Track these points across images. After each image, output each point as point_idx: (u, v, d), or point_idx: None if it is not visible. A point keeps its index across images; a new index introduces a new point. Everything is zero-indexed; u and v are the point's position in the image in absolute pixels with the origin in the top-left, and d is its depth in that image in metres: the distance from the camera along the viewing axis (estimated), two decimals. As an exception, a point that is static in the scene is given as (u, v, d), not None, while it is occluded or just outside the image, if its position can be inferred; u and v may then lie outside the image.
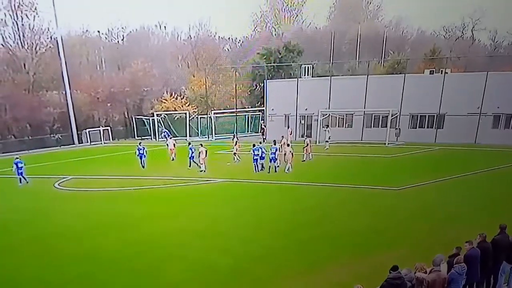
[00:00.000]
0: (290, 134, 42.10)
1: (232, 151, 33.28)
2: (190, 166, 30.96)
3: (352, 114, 43.92)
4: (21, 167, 28.33)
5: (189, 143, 32.12)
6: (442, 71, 41.93)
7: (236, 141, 33.60)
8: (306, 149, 32.38)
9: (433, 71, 43.32)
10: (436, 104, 40.22)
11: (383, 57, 61.69)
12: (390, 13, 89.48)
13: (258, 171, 29.14)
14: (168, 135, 46.23)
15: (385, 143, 39.73)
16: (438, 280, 9.43)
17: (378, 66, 58.06)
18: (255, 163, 29.24)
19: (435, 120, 41.09)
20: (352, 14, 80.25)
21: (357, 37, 62.57)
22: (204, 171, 29.59)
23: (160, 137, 51.13)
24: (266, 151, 29.64)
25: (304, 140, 33.26)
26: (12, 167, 28.72)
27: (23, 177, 28.35)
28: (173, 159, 34.65)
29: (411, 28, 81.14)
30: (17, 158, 28.95)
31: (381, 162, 32.40)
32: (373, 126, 43.48)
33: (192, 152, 31.01)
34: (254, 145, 29.57)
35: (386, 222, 17.74)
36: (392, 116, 40.40)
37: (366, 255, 14.16)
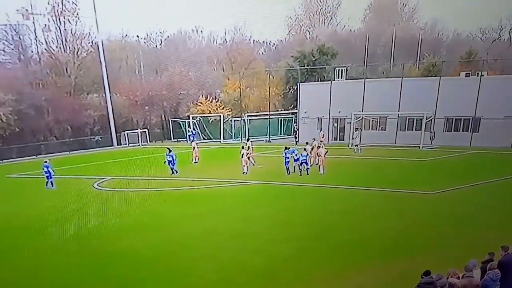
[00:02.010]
0: (323, 137, 42.04)
1: (248, 154, 31.96)
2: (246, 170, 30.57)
3: (386, 117, 43.28)
4: (48, 171, 28.14)
5: (243, 147, 31.67)
6: (478, 73, 40.86)
7: (249, 146, 33.17)
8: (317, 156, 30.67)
9: (469, 73, 42.42)
10: (471, 107, 39.21)
11: (418, 59, 60.61)
12: (426, 15, 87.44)
13: (289, 173, 29.13)
14: (194, 137, 46.71)
15: (419, 147, 39.08)
16: (470, 286, 9.37)
17: (413, 69, 56.93)
18: (287, 165, 29.25)
19: (470, 123, 40.05)
20: (387, 16, 78.95)
21: (392, 39, 61.65)
22: (246, 172, 29.90)
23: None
24: (299, 154, 29.59)
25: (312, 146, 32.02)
26: (42, 169, 28.59)
27: (50, 181, 28.23)
28: (196, 162, 35.23)
29: (446, 30, 79.08)
30: (45, 161, 29.05)
31: (414, 165, 32.05)
32: (407, 129, 42.69)
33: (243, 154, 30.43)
34: (286, 148, 29.64)
35: (418, 227, 17.66)
36: (426, 119, 39.72)
37: (397, 260, 14.10)
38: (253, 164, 32.48)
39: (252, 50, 73.57)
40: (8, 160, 43.02)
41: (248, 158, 31.73)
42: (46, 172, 28.10)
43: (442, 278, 9.49)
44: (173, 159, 30.92)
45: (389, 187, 24.29)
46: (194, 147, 36.19)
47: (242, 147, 31.16)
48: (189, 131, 52.20)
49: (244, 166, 30.15)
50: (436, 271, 9.64)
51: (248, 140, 35.60)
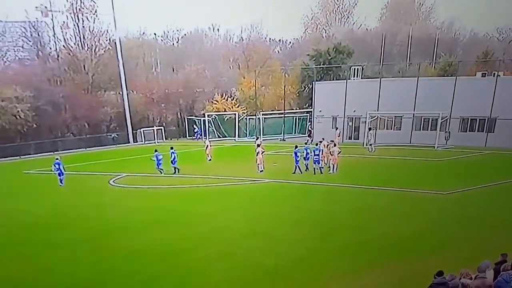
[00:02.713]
0: (338, 136, 41.95)
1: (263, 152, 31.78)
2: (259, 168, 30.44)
3: (401, 116, 43.06)
4: (59, 168, 28.14)
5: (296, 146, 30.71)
6: (494, 73, 40.49)
7: (259, 144, 32.75)
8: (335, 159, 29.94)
9: (485, 73, 42.05)
10: (487, 108, 38.82)
11: (434, 59, 60.15)
12: (443, 15, 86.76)
13: (301, 172, 29.12)
14: (200, 134, 46.49)
15: (434, 147, 38.82)
16: (482, 287, 9.37)
17: (429, 68, 56.60)
18: (297, 164, 29.24)
19: (486, 124, 39.63)
20: (404, 15, 78.80)
21: (408, 38, 61.24)
22: (262, 170, 30.02)
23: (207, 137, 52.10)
24: (310, 153, 29.65)
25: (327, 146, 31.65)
26: (53, 167, 28.56)
27: (60, 178, 28.23)
28: (210, 160, 35.49)
29: (463, 29, 78.40)
30: (57, 159, 28.95)
31: (429, 165, 31.84)
32: (422, 129, 42.41)
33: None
34: (296, 147, 29.65)
35: (431, 227, 17.59)
36: (442, 119, 39.43)
37: (410, 260, 14.06)
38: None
39: (268, 49, 73.63)
40: (26, 156, 43.47)
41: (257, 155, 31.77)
42: (57, 170, 28.16)
43: (455, 279, 9.49)
44: (158, 159, 30.78)
45: (402, 187, 24.19)
46: (207, 145, 36.42)
47: (258, 145, 31.24)
48: (194, 128, 52.64)
49: (259, 164, 30.26)
50: (449, 272, 9.63)
51: (257, 138, 35.37)
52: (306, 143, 32.54)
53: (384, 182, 25.60)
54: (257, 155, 30.55)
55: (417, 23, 75.20)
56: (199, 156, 37.37)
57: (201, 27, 74.87)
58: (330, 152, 29.46)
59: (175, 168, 31.11)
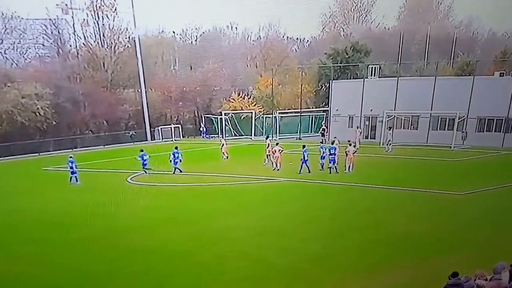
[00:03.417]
0: (360, 135, 41.88)
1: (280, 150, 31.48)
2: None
3: (418, 116, 42.84)
4: (72, 166, 27.93)
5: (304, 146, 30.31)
6: (512, 73, 40.06)
7: (269, 144, 32.58)
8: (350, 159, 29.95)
9: (504, 73, 41.65)
10: (505, 108, 38.58)
11: (452, 58, 59.65)
12: (461, 14, 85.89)
13: (309, 171, 28.96)
14: (206, 133, 46.66)
15: (450, 147, 38.52)
16: (498, 288, 9.22)
17: (447, 68, 56.28)
18: (303, 164, 29.02)
19: (503, 124, 39.34)
20: (422, 14, 78.41)
21: (427, 37, 60.80)
22: (278, 169, 30.08)
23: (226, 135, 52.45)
24: (326, 152, 29.56)
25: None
26: (67, 165, 28.41)
27: (75, 176, 28.01)
28: (227, 158, 35.76)
29: (482, 29, 77.64)
30: (70, 157, 28.77)
31: (445, 165, 31.71)
32: (439, 129, 42.18)
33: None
34: (304, 146, 29.51)
35: (447, 227, 17.49)
36: (459, 118, 39.14)
37: (425, 260, 14.00)
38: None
39: (286, 47, 73.76)
40: (45, 153, 44.12)
41: (267, 156, 31.94)
42: (70, 168, 27.97)
43: (470, 280, 9.38)
44: (143, 159, 30.50)
45: (418, 187, 24.06)
46: (223, 144, 36.69)
47: (277, 144, 31.32)
48: (201, 127, 52.92)
49: (274, 162, 30.30)
50: (464, 273, 9.55)
51: (267, 137, 35.37)
52: (321, 142, 32.50)
53: (400, 182, 25.50)
54: (269, 153, 30.68)
55: (435, 22, 74.76)
56: (215, 154, 37.51)
57: (220, 25, 74.99)
58: (345, 152, 29.35)
59: (175, 168, 30.59)
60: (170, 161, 30.71)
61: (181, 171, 30.37)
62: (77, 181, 27.98)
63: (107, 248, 16.26)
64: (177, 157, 30.46)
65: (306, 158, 28.95)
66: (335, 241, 16.19)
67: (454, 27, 73.42)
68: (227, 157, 35.82)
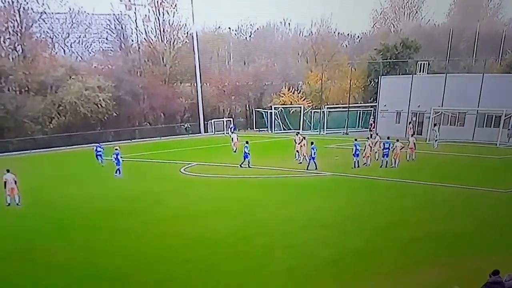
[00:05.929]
0: (411, 130, 42.65)
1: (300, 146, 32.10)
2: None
3: (465, 112, 42.76)
4: (117, 158, 28.20)
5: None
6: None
7: (302, 139, 32.31)
8: (411, 149, 31.92)
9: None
10: (552, 105, 37.81)
11: (500, 55, 58.35)
12: (511, 11, 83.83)
13: (358, 166, 29.74)
14: (233, 130, 48.24)
15: (496, 144, 38.40)
16: (539, 289, 9.32)
17: (495, 65, 55.43)
18: (355, 158, 29.83)
19: (550, 122, 38.63)
20: (472, 11, 76.79)
21: (476, 34, 59.75)
22: (301, 162, 31.10)
23: (275, 129, 54.17)
24: (361, 148, 30.05)
25: (408, 139, 32.87)
26: (112, 157, 28.84)
27: (118, 169, 28.21)
28: (235, 151, 36.71)
29: (531, 27, 75.10)
30: (116, 149, 29.01)
31: (490, 163, 31.82)
32: (486, 126, 41.93)
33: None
34: (355, 139, 30.46)
35: (490, 225, 17.53)
36: (505, 116, 38.90)
37: (466, 258, 14.17)
38: (304, 158, 31.36)
39: (336, 43, 74.20)
40: (104, 143, 45.11)
41: (297, 151, 32.44)
42: (115, 159, 28.25)
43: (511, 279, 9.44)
44: (97, 151, 31.99)
45: (462, 184, 24.24)
46: (232, 138, 38.01)
47: (304, 138, 32.19)
48: (231, 126, 52.95)
49: (304, 155, 31.14)
50: (505, 272, 9.67)
51: (297, 134, 35.67)
52: (371, 137, 33.44)
53: (445, 179, 25.72)
54: (300, 148, 31.64)
55: (484, 19, 73.17)
56: (267, 147, 38.49)
57: (273, 21, 76.21)
58: (392, 148, 29.92)
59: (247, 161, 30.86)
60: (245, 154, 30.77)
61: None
62: (119, 173, 28.31)
63: (158, 236, 16.91)
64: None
65: (357, 153, 29.76)
66: (378, 236, 16.47)
67: (503, 24, 71.94)
68: (236, 151, 36.67)
